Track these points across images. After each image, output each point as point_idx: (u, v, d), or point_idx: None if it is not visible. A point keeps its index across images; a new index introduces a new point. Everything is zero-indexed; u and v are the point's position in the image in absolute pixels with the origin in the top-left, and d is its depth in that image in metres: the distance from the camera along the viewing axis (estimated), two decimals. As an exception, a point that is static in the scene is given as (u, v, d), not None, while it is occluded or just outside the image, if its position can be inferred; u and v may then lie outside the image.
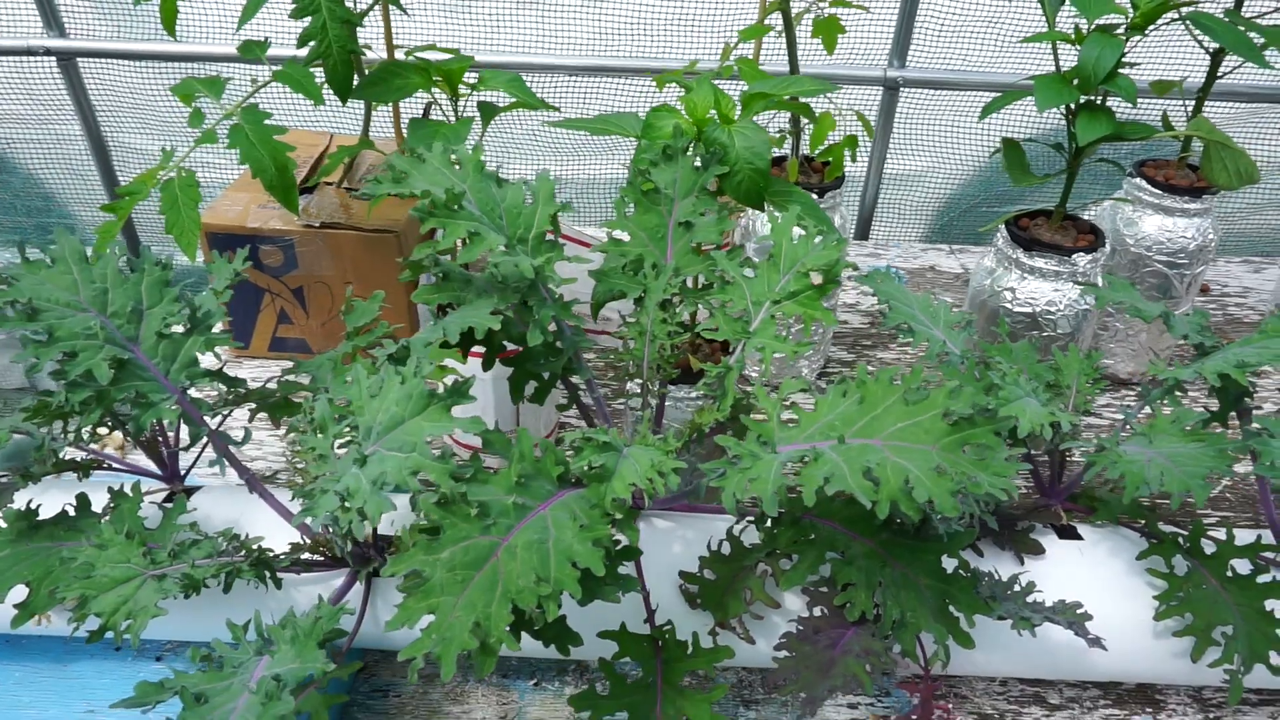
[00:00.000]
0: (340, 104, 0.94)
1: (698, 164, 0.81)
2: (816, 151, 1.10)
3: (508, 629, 0.53)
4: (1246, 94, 1.41)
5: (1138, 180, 1.17)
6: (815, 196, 1.09)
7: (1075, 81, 0.94)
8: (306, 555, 0.74)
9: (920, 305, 0.91)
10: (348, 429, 0.64)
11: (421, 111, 1.06)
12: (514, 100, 0.98)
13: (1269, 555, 0.76)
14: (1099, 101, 0.97)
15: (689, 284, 0.80)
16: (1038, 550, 0.79)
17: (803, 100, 1.01)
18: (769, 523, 0.75)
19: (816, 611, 0.70)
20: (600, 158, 1.75)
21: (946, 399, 0.59)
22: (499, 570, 0.56)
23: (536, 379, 0.76)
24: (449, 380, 0.65)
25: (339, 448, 0.67)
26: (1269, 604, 0.72)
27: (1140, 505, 0.82)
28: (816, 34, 1.20)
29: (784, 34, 1.09)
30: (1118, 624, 0.77)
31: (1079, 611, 0.70)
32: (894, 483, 0.56)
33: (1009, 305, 1.06)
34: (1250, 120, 1.61)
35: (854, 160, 1.11)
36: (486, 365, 0.73)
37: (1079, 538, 0.82)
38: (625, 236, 0.81)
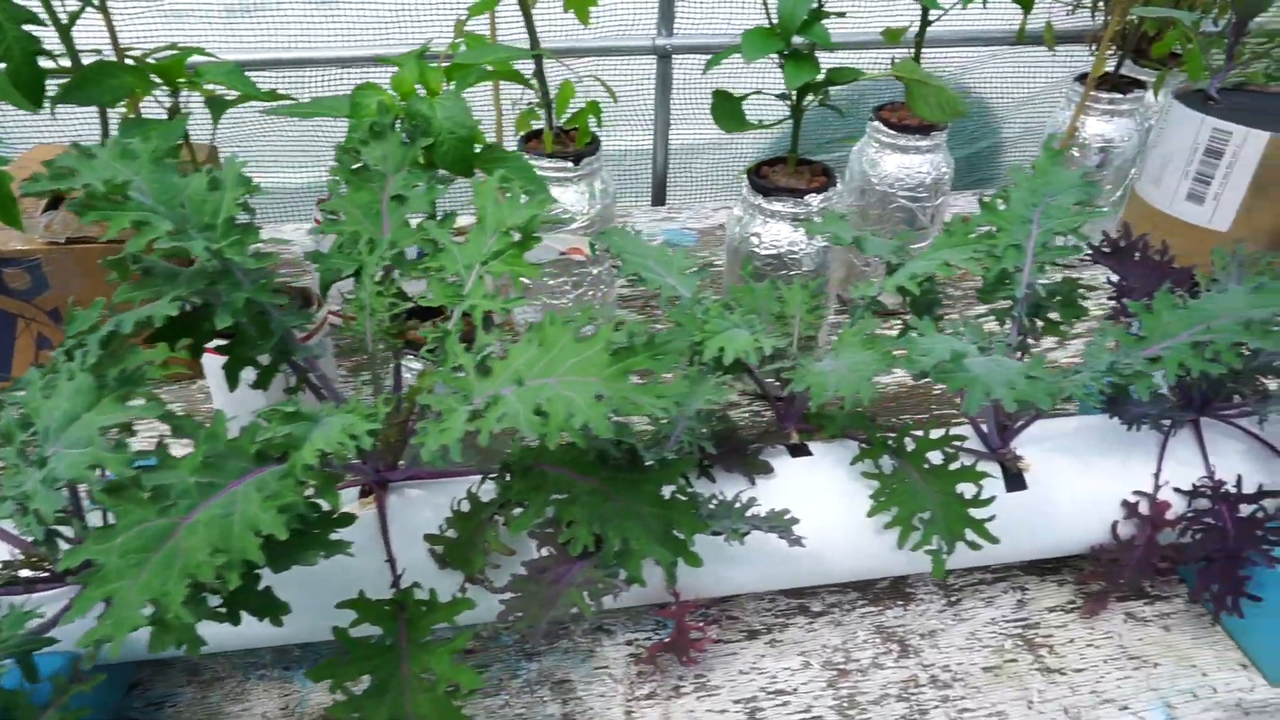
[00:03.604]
0: (47, 111, 0.90)
1: (406, 139, 0.82)
2: (562, 119, 1.13)
3: (184, 604, 0.54)
4: (954, 39, 1.55)
5: (876, 123, 1.25)
6: (571, 164, 1.13)
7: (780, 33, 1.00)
8: (27, 573, 0.72)
9: (655, 255, 0.96)
10: (32, 434, 0.63)
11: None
12: (240, 94, 0.97)
13: (957, 445, 0.83)
14: (806, 51, 1.04)
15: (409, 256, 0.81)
16: (767, 470, 0.85)
17: (520, 70, 1.04)
18: (507, 477, 0.78)
19: (544, 552, 0.73)
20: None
21: (610, 334, 0.63)
22: (178, 549, 0.56)
23: (254, 365, 0.76)
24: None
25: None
26: (960, 487, 0.80)
27: (862, 416, 0.89)
28: (568, 8, 1.23)
29: (520, 7, 1.11)
30: (846, 526, 0.83)
31: (786, 518, 0.76)
32: (559, 414, 0.59)
33: (757, 249, 1.12)
34: (985, 63, 1.74)
35: (600, 125, 1.14)
36: (194, 354, 0.73)
37: (810, 454, 0.88)
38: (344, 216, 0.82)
